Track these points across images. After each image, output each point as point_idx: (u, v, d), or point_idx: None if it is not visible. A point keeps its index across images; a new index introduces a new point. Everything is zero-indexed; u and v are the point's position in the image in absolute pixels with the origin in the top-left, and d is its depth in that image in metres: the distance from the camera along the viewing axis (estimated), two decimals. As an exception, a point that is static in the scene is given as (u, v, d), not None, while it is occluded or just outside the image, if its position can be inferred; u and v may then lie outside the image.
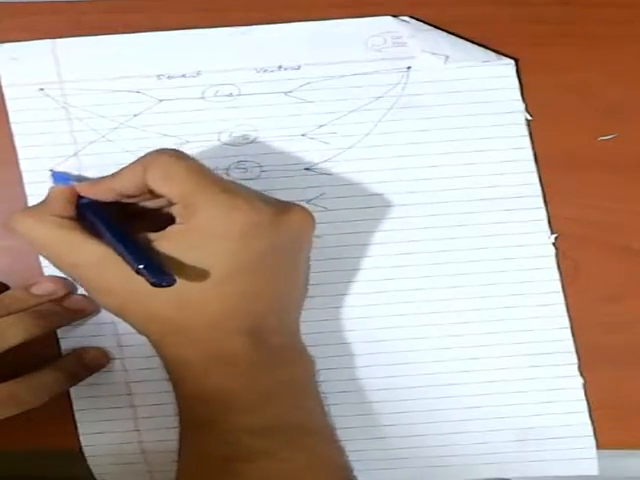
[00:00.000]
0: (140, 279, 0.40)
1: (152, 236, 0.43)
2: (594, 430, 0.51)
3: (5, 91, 0.49)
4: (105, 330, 0.50)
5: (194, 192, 0.42)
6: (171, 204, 0.44)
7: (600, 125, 0.50)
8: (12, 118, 0.49)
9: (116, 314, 0.46)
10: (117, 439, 0.50)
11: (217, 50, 0.50)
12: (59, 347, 0.50)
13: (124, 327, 0.49)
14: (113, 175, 0.45)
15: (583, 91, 0.50)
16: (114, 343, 0.50)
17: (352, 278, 0.50)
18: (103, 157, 0.49)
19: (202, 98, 0.50)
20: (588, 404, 0.50)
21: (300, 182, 0.50)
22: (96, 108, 0.49)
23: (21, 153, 0.49)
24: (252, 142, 0.50)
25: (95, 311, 0.49)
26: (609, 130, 0.50)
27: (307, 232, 0.45)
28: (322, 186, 0.50)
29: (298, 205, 0.45)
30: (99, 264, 0.43)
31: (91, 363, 0.49)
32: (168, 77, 0.50)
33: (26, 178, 0.49)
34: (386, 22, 0.50)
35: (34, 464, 0.52)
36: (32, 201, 0.49)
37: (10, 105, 0.49)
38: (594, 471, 0.51)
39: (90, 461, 0.50)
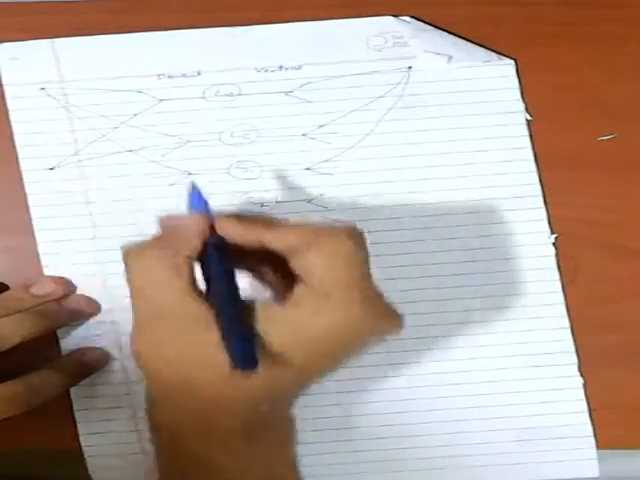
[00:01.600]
0: (221, 354, 0.38)
1: (258, 306, 0.40)
2: (594, 430, 0.51)
3: (6, 90, 0.49)
4: (105, 330, 0.50)
5: (336, 286, 0.39)
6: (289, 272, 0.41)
7: (600, 125, 0.50)
8: (12, 117, 0.49)
9: (148, 370, 0.42)
10: (117, 439, 0.50)
11: (218, 50, 0.50)
12: (59, 347, 0.50)
13: (124, 327, 0.49)
14: (270, 226, 0.40)
15: (583, 91, 0.51)
16: (114, 343, 0.50)
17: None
18: (103, 157, 0.49)
19: (202, 98, 0.50)
20: (588, 404, 0.50)
21: (300, 182, 0.50)
22: (96, 107, 0.49)
23: (21, 153, 0.49)
24: (252, 142, 0.50)
25: (95, 312, 0.49)
26: (609, 130, 0.50)
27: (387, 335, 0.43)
28: (322, 186, 0.50)
29: (396, 313, 0.42)
30: (192, 325, 0.39)
31: (91, 363, 0.49)
32: (169, 77, 0.50)
33: (26, 178, 0.49)
34: (387, 22, 0.50)
35: (33, 464, 0.52)
36: (32, 200, 0.49)
37: (10, 104, 0.49)
38: (594, 471, 0.51)
39: (90, 461, 0.50)
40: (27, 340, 0.46)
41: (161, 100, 0.50)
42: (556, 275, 0.50)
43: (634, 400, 0.51)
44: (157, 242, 0.41)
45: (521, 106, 0.50)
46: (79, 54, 0.49)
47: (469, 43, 0.50)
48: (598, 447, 0.51)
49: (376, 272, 0.49)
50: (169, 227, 0.41)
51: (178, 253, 0.39)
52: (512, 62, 0.50)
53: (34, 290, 0.48)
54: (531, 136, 0.50)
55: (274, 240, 0.40)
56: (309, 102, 0.50)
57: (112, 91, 0.50)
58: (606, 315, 0.51)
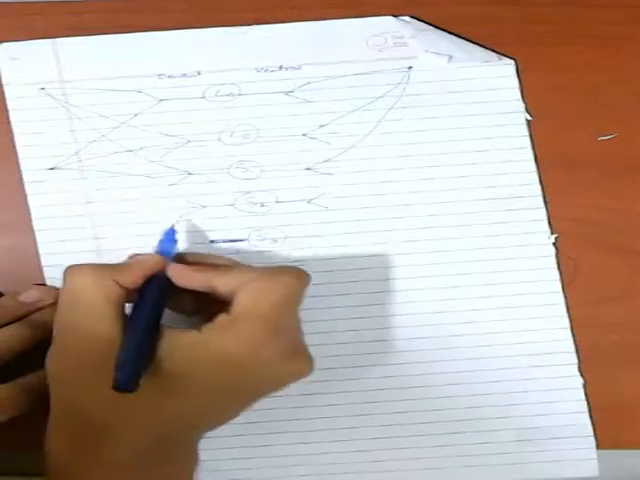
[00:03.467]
0: (103, 365, 0.40)
1: (169, 333, 0.42)
2: (594, 430, 0.51)
3: (6, 90, 0.49)
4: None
5: (252, 317, 0.41)
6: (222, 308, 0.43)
7: (600, 125, 0.50)
8: (12, 117, 0.49)
9: (52, 383, 0.43)
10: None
11: (218, 50, 0.50)
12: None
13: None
14: (217, 272, 0.44)
15: (583, 91, 0.50)
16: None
17: (352, 278, 0.50)
18: (103, 157, 0.49)
19: (203, 98, 0.50)
20: (588, 404, 0.50)
21: (300, 182, 0.50)
22: (97, 107, 0.49)
23: (21, 153, 0.49)
24: (252, 142, 0.50)
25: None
26: (609, 130, 0.50)
27: (296, 381, 0.44)
28: (322, 186, 0.50)
29: (308, 355, 0.44)
30: (98, 344, 0.41)
31: None
32: (169, 77, 0.50)
33: (26, 178, 0.49)
34: (387, 22, 0.50)
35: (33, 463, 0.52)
36: (32, 200, 0.49)
37: (10, 104, 0.49)
38: (594, 471, 0.51)
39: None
40: (22, 352, 0.46)
41: (161, 100, 0.50)
42: (556, 275, 0.50)
43: (634, 400, 0.51)
44: (100, 266, 0.43)
45: (521, 106, 0.50)
46: (79, 54, 0.49)
47: (469, 43, 0.50)
48: (598, 447, 0.51)
49: (376, 272, 0.50)
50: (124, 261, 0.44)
51: (113, 278, 0.42)
52: (512, 62, 0.50)
53: (22, 298, 0.48)
54: (531, 136, 0.50)
55: (220, 285, 0.43)
56: (309, 102, 0.50)
57: (112, 91, 0.50)
58: (606, 315, 0.51)
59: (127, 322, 0.42)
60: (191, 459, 0.45)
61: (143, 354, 0.41)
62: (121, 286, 0.42)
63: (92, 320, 0.41)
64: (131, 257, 0.45)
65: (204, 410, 0.43)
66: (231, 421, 0.45)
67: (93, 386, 0.41)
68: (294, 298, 0.43)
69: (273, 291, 0.42)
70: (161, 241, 0.45)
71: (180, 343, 0.42)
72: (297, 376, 0.44)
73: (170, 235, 0.46)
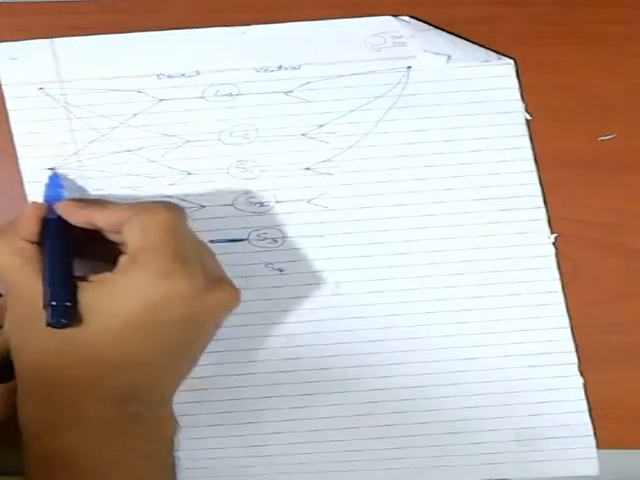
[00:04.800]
0: (42, 316, 0.41)
1: (89, 278, 0.43)
2: (594, 430, 0.51)
3: (5, 90, 0.49)
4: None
5: (145, 249, 0.42)
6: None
7: (600, 125, 0.50)
8: (12, 118, 0.49)
9: (11, 345, 0.45)
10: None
11: (217, 50, 0.50)
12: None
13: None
14: (98, 206, 0.45)
15: (583, 91, 0.50)
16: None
17: (350, 278, 0.50)
18: (103, 156, 0.49)
19: (202, 98, 0.50)
20: (588, 404, 0.50)
21: (300, 182, 0.50)
22: (96, 107, 0.49)
23: (21, 153, 0.49)
24: (252, 142, 0.50)
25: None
26: (609, 130, 0.50)
27: (225, 312, 0.45)
28: (322, 186, 0.50)
29: (228, 283, 0.44)
30: (27, 298, 0.43)
31: None
32: (168, 76, 0.50)
33: (26, 178, 0.49)
34: (386, 22, 0.50)
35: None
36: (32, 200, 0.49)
37: (10, 104, 0.49)
38: (594, 471, 0.51)
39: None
40: None
41: (160, 100, 0.50)
42: (556, 275, 0.50)
43: (634, 400, 0.51)
44: (4, 230, 0.45)
45: (521, 106, 0.50)
46: (78, 54, 0.49)
47: (468, 43, 0.50)
48: (598, 447, 0.51)
49: (374, 272, 0.50)
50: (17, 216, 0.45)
51: (18, 237, 0.44)
52: (512, 62, 0.50)
53: None
54: (531, 136, 0.50)
55: (100, 219, 0.44)
56: (309, 102, 0.50)
57: (111, 91, 0.50)
58: (606, 315, 0.51)
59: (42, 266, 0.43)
60: (163, 424, 0.45)
61: (64, 286, 0.42)
62: (27, 240, 0.44)
63: (26, 285, 0.43)
64: (25, 207, 0.46)
65: (132, 356, 0.43)
66: (185, 377, 0.45)
67: (37, 339, 0.42)
68: (177, 224, 0.43)
69: (155, 221, 0.42)
70: (47, 186, 0.48)
71: (98, 283, 0.42)
72: (222, 306, 0.44)
73: (54, 180, 0.48)
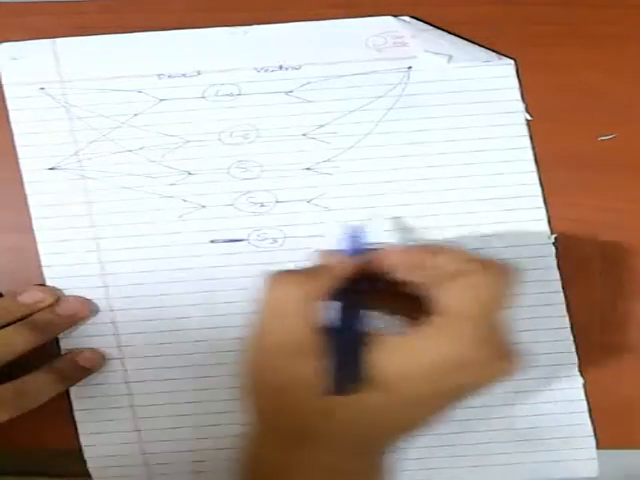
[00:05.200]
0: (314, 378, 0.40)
1: (376, 337, 0.41)
2: (594, 430, 0.51)
3: (5, 90, 0.49)
4: (104, 330, 0.50)
5: (460, 316, 0.40)
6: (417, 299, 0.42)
7: (600, 125, 0.50)
8: (12, 117, 0.49)
9: (250, 386, 0.43)
10: (117, 439, 0.50)
11: (217, 50, 0.50)
12: (59, 347, 0.50)
13: (124, 327, 0.49)
14: (433, 252, 0.42)
15: (583, 91, 0.50)
16: (114, 343, 0.50)
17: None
18: (103, 156, 0.49)
19: (202, 98, 0.50)
20: (588, 404, 0.50)
21: (300, 182, 0.50)
22: (96, 107, 0.49)
23: (21, 153, 0.49)
24: (252, 142, 0.50)
25: (91, 313, 0.49)
26: (609, 130, 0.50)
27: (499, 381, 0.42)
28: (322, 186, 0.50)
29: (515, 355, 0.41)
30: (297, 347, 0.41)
31: (86, 364, 0.49)
32: (169, 76, 0.50)
33: (26, 178, 0.49)
34: (387, 22, 0.50)
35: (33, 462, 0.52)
36: (32, 200, 0.49)
37: (10, 104, 0.49)
38: (594, 471, 0.51)
39: (90, 461, 0.50)
40: (25, 352, 0.46)
41: (161, 100, 0.50)
42: (556, 275, 0.50)
43: (634, 400, 0.51)
44: (301, 273, 0.42)
45: (521, 106, 0.50)
46: (79, 54, 0.49)
47: (469, 43, 0.50)
48: (598, 447, 0.51)
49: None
50: (318, 262, 0.43)
51: (311, 285, 0.41)
52: (512, 62, 0.50)
53: (22, 299, 0.48)
54: (531, 136, 0.50)
55: (437, 263, 0.41)
56: (309, 102, 0.50)
57: (112, 91, 0.50)
58: (606, 315, 0.51)
59: (329, 327, 0.41)
60: (381, 474, 0.43)
61: (351, 358, 0.40)
62: (318, 292, 0.41)
63: (294, 328, 0.41)
64: (320, 256, 0.44)
65: (407, 417, 0.42)
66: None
67: (302, 392, 0.41)
68: (503, 296, 0.41)
69: (483, 290, 0.40)
70: (350, 239, 0.44)
71: (386, 347, 0.40)
72: (504, 375, 0.41)
73: (359, 233, 0.44)
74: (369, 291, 0.43)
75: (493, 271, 0.41)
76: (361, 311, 0.42)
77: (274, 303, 0.41)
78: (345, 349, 0.40)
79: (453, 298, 0.40)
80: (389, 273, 0.42)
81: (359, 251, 0.43)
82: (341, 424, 0.41)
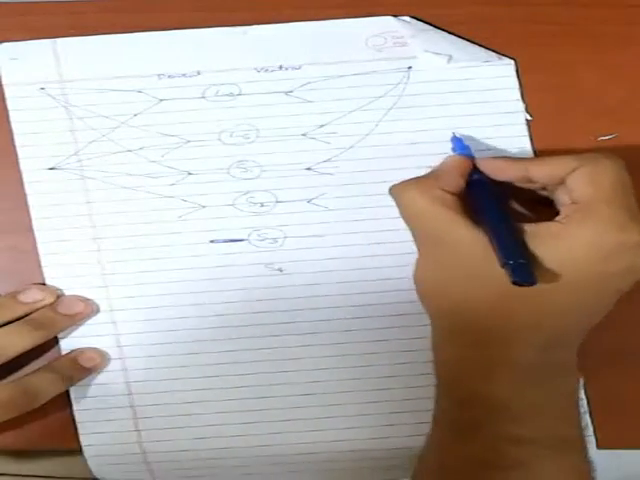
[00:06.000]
0: (498, 273, 0.41)
1: (527, 227, 0.42)
2: (594, 430, 0.50)
3: (5, 90, 0.49)
4: (104, 330, 0.50)
5: (598, 201, 0.41)
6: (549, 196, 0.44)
7: (600, 125, 0.50)
8: (12, 117, 0.49)
9: (427, 295, 0.46)
10: (117, 439, 0.50)
11: (217, 50, 0.50)
12: (59, 347, 0.50)
13: (124, 327, 0.49)
14: (533, 159, 0.47)
15: (583, 91, 0.50)
16: (114, 343, 0.50)
17: (354, 278, 0.50)
18: (103, 156, 0.49)
19: (202, 98, 0.50)
20: (588, 404, 0.50)
21: (300, 182, 0.50)
22: (96, 107, 0.49)
23: (21, 152, 0.49)
24: (252, 142, 0.50)
25: (91, 312, 0.49)
26: (609, 130, 0.50)
27: None
28: (322, 186, 0.50)
29: None
30: (467, 248, 0.42)
31: (87, 364, 0.49)
32: (169, 77, 0.50)
33: (26, 178, 0.49)
34: (387, 22, 0.50)
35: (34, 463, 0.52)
36: (32, 200, 0.49)
37: (10, 104, 0.49)
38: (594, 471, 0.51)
39: (90, 461, 0.50)
40: (26, 350, 0.46)
41: (161, 100, 0.50)
42: (556, 275, 0.50)
43: (634, 400, 0.51)
44: (421, 179, 0.45)
45: (521, 106, 0.50)
46: (79, 54, 0.49)
47: (469, 43, 0.50)
48: (598, 447, 0.51)
49: (377, 272, 0.50)
50: (436, 167, 0.46)
51: (438, 186, 0.43)
52: (512, 62, 0.50)
53: (21, 298, 0.48)
54: (531, 136, 0.50)
55: (538, 172, 0.44)
56: (309, 102, 0.50)
57: (112, 91, 0.50)
58: (606, 315, 0.50)
59: (477, 222, 0.43)
60: (574, 372, 0.45)
61: (521, 246, 0.41)
62: (448, 192, 0.43)
63: (447, 232, 0.43)
64: (446, 160, 0.46)
65: (579, 304, 0.43)
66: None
67: (477, 288, 0.42)
68: (626, 177, 0.42)
69: (605, 173, 0.42)
70: (454, 147, 0.48)
71: (543, 237, 0.42)
72: None
73: (460, 142, 0.48)
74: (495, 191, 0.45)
75: (603, 160, 0.43)
76: (498, 204, 0.44)
77: (407, 211, 0.45)
78: (511, 241, 0.42)
79: (579, 188, 0.42)
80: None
81: (469, 155, 0.47)
82: (520, 318, 0.42)
